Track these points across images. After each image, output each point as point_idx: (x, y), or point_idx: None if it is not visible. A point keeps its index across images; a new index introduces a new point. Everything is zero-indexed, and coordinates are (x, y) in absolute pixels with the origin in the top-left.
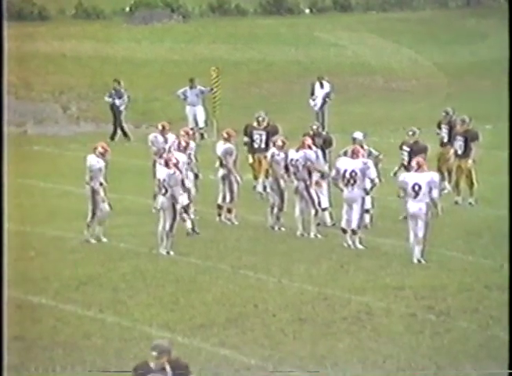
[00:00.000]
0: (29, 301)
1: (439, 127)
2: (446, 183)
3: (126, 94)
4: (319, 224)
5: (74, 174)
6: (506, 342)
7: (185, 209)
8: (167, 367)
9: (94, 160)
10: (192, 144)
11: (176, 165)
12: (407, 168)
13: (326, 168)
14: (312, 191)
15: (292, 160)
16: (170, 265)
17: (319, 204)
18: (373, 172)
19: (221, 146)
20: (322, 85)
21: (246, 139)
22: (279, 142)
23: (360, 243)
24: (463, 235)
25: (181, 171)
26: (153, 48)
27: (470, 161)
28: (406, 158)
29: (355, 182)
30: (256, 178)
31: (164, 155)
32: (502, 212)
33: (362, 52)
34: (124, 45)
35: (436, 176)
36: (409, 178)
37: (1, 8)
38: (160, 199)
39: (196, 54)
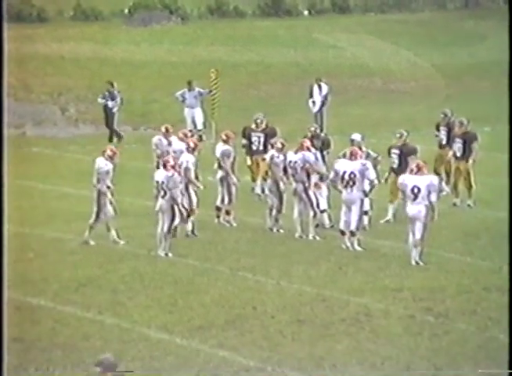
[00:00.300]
0: (28, 303)
1: (438, 129)
2: (444, 185)
3: (119, 96)
4: (317, 226)
5: (73, 176)
6: (504, 344)
7: (191, 212)
8: None
9: (102, 163)
10: (200, 145)
11: (174, 167)
12: (396, 172)
13: (324, 170)
14: (311, 193)
15: (291, 162)
16: (168, 267)
17: (318, 205)
18: (371, 174)
19: (219, 148)
20: (320, 87)
21: (244, 141)
22: (279, 144)
23: (359, 244)
24: (462, 237)
25: (179, 173)
26: (152, 50)
27: (469, 163)
28: (396, 161)
29: (353, 183)
30: (254, 180)
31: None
32: (501, 214)
33: (361, 53)
34: (123, 47)
35: (435, 180)
36: (408, 180)
37: (1, 10)
38: (159, 201)
39: (195, 56)
